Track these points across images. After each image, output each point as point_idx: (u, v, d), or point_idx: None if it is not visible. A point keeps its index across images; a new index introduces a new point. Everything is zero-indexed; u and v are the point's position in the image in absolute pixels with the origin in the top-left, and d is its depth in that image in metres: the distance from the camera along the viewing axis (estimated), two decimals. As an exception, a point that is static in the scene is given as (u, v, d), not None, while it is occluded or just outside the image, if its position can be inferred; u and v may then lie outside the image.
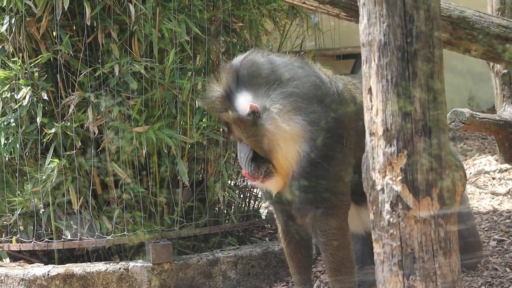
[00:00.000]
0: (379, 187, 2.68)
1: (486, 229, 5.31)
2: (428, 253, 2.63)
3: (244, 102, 4.00)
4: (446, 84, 2.74)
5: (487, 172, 6.64)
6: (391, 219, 2.65)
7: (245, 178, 4.18)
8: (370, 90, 2.70)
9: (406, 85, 2.63)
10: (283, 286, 4.92)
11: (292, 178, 4.05)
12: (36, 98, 4.96)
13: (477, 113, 6.22)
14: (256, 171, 4.06)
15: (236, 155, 4.38)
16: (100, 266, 4.83)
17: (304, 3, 3.51)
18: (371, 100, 2.71)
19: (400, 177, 2.63)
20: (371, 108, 2.70)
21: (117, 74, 4.90)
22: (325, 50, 7.02)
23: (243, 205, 5.48)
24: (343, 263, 4.19)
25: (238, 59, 4.11)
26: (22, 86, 4.96)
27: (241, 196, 5.48)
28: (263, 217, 5.61)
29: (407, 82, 2.63)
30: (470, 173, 6.63)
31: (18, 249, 5.06)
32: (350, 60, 9.20)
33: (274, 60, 4.12)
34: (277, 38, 5.87)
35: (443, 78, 2.67)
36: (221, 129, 5.02)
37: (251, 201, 5.60)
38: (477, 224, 5.36)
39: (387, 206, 2.66)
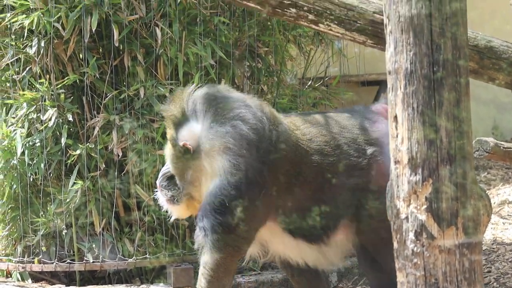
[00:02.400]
0: (403, 216, 2.66)
1: (510, 260, 5.26)
2: (452, 283, 2.61)
3: (184, 134, 4.02)
4: (471, 113, 2.73)
5: (511, 202, 6.60)
6: (415, 248, 2.63)
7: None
8: (395, 118, 2.69)
9: (432, 113, 2.63)
10: (303, 312, 4.89)
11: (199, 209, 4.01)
12: (62, 119, 4.99)
13: (501, 143, 6.17)
14: (165, 189, 4.08)
15: None
16: (121, 289, 4.84)
17: (330, 30, 3.51)
18: (396, 128, 2.70)
19: (424, 206, 2.62)
20: (397, 136, 2.70)
21: (142, 96, 4.92)
22: (349, 76, 7.02)
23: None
24: None
25: (196, 89, 4.08)
26: (48, 108, 4.99)
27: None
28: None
29: (433, 111, 2.62)
30: (494, 203, 6.58)
31: (40, 270, 5.07)
32: (374, 87, 9.17)
33: (227, 97, 4.07)
34: (302, 64, 5.89)
35: (469, 107, 2.66)
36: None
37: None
38: (500, 254, 5.32)
39: (411, 235, 2.64)
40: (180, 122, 4.03)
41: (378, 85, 9.02)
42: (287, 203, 4.07)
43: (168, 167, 4.08)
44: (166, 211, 4.19)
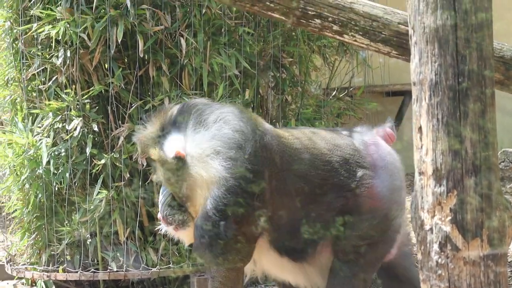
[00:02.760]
0: (427, 227, 2.65)
1: (535, 271, 5.22)
2: (477, 295, 2.59)
3: (172, 146, 3.91)
4: (496, 124, 2.72)
5: (537, 213, 6.55)
6: (440, 260, 2.62)
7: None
8: (420, 129, 2.69)
9: (457, 124, 2.62)
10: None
11: (195, 222, 3.93)
12: (87, 129, 5.02)
13: (527, 153, 6.16)
14: (171, 217, 3.95)
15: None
16: (145, 298, 4.85)
17: (355, 40, 3.51)
18: (421, 139, 2.69)
19: (449, 217, 2.61)
20: (421, 147, 2.69)
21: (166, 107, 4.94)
22: (373, 86, 7.01)
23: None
24: None
25: (171, 106, 4.06)
26: (74, 117, 5.03)
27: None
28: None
29: (458, 122, 2.62)
30: (519, 214, 6.53)
31: (65, 279, 5.09)
32: (399, 97, 9.16)
33: (206, 103, 4.03)
34: (326, 74, 5.89)
35: (494, 118, 2.66)
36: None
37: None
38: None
39: (435, 247, 2.63)
40: (162, 138, 3.94)
41: (403, 96, 9.01)
42: (273, 214, 3.98)
43: (164, 194, 3.97)
44: (179, 241, 4.13)
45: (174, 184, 3.90)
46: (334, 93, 5.86)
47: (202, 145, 3.88)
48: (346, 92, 5.92)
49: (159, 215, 3.97)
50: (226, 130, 3.90)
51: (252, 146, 3.90)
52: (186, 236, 3.97)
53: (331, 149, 4.10)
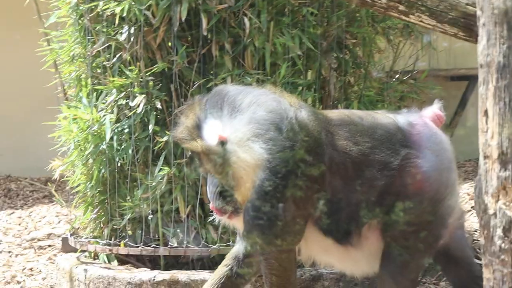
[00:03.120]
0: (491, 212, 2.63)
1: None
2: (540, 281, 2.56)
3: (212, 132, 3.91)
4: None
5: None
6: (503, 245, 2.60)
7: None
8: (486, 112, 2.66)
9: (524, 108, 2.58)
10: (385, 306, 4.86)
11: (244, 209, 3.93)
12: (150, 106, 5.07)
13: None
14: (224, 205, 3.96)
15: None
16: (204, 275, 4.88)
17: (421, 21, 3.47)
18: (486, 123, 2.66)
19: (513, 202, 2.58)
20: (486, 131, 2.66)
21: (229, 85, 4.96)
22: (438, 70, 6.94)
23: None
24: None
25: (201, 98, 4.06)
26: (137, 94, 5.08)
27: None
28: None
29: (525, 106, 2.58)
30: None
31: (126, 253, 5.17)
32: (463, 82, 9.04)
33: (237, 88, 4.04)
34: (390, 57, 5.84)
35: (562, 103, 2.61)
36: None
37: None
38: None
39: (499, 231, 2.60)
40: (199, 128, 3.95)
41: (467, 80, 8.89)
42: (317, 192, 3.98)
43: (213, 184, 3.98)
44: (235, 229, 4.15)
45: (221, 172, 3.90)
46: (397, 76, 5.81)
47: (241, 129, 3.89)
48: (409, 75, 5.86)
49: (211, 206, 4.00)
50: (261, 112, 3.90)
51: (288, 124, 3.89)
52: (241, 223, 3.98)
53: (372, 127, 4.07)
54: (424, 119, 4.21)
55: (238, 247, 4.21)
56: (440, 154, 4.13)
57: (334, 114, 4.16)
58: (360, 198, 4.02)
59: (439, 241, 4.20)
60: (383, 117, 4.19)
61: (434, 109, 4.25)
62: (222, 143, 3.86)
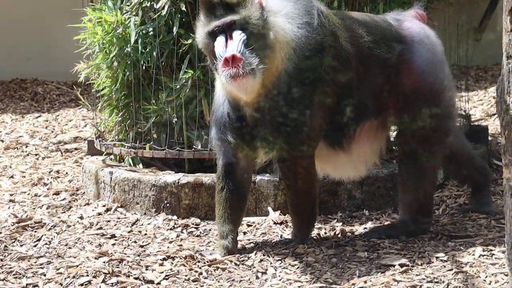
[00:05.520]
0: (513, 112, 2.62)
1: None
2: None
3: None
4: None
5: None
6: (524, 145, 2.60)
7: (224, 70, 3.84)
8: (511, 11, 2.62)
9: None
10: (407, 209, 4.90)
11: (271, 89, 3.94)
12: (175, 8, 5.03)
13: None
14: (248, 57, 3.83)
15: None
16: (228, 177, 4.93)
17: None
18: (511, 23, 2.63)
19: (536, 103, 2.57)
20: (511, 31, 2.63)
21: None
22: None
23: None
24: (306, 204, 4.23)
25: None
26: (162, -4, 5.04)
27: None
28: (391, 139, 5.58)
29: (551, 5, 2.54)
30: None
31: (151, 156, 5.22)
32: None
33: None
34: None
35: None
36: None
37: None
38: None
39: (520, 132, 2.60)
40: None
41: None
42: (336, 90, 4.05)
43: (241, 36, 3.88)
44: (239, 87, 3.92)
45: (254, 31, 3.88)
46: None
47: (278, 4, 3.96)
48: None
49: (230, 53, 3.83)
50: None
51: (318, 16, 3.97)
52: (249, 86, 3.89)
53: (371, 23, 4.19)
54: (410, 17, 4.37)
55: (223, 162, 4.23)
56: (432, 47, 4.24)
57: (338, 12, 4.27)
58: (361, 97, 4.08)
59: (451, 134, 4.26)
60: (377, 17, 4.33)
61: (416, 9, 4.45)
62: (262, 7, 3.91)
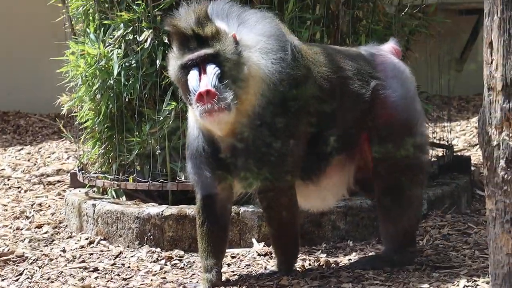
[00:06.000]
0: (494, 143, 2.63)
1: None
2: (542, 212, 2.58)
3: (225, 28, 3.88)
4: None
5: None
6: (506, 176, 2.61)
7: (198, 105, 3.75)
8: (491, 44, 2.65)
9: (530, 40, 2.57)
10: (391, 239, 4.90)
11: (246, 123, 3.88)
12: (157, 41, 5.05)
13: None
14: (222, 92, 3.75)
15: None
16: (211, 209, 4.92)
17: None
18: (491, 55, 2.65)
19: (517, 134, 2.58)
20: (491, 63, 2.65)
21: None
22: (447, 4, 6.87)
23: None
24: (288, 235, 4.19)
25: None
26: (145, 29, 5.06)
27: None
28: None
29: (531, 37, 2.57)
30: None
31: (134, 188, 5.20)
32: (473, 16, 8.97)
33: (238, 6, 4.03)
34: (398, -10, 5.78)
35: None
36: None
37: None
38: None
39: (502, 163, 2.61)
40: (210, 19, 3.90)
41: (478, 14, 8.81)
42: (311, 124, 4.03)
43: (214, 70, 3.80)
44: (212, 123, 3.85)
45: (228, 65, 3.80)
46: (406, 9, 5.75)
47: (253, 39, 3.90)
48: (418, 9, 5.80)
49: (204, 87, 3.74)
50: (271, 31, 3.93)
51: (292, 51, 3.93)
52: (223, 123, 3.83)
53: (345, 58, 4.14)
54: (385, 51, 4.35)
55: (202, 196, 4.18)
56: (405, 82, 4.23)
57: (312, 45, 4.22)
58: (334, 131, 4.06)
59: (426, 169, 4.27)
60: (352, 51, 4.29)
61: (391, 44, 4.42)
62: (236, 41, 3.86)
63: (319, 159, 4.11)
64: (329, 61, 4.11)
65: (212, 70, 3.80)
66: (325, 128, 4.08)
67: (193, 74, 3.83)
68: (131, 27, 5.13)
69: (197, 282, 4.32)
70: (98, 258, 4.81)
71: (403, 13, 5.68)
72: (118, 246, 5.01)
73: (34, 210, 5.87)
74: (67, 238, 5.23)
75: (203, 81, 3.78)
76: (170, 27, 3.95)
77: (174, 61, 3.98)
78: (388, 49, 4.40)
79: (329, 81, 4.06)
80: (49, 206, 5.97)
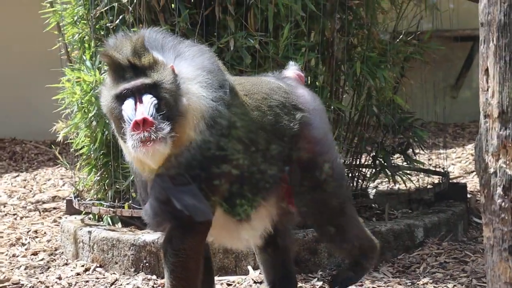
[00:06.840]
0: (491, 170, 2.63)
1: None
2: (539, 239, 2.57)
3: (162, 60, 3.67)
4: None
5: None
6: (503, 204, 2.60)
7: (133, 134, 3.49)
8: (487, 71, 2.65)
9: (525, 67, 2.58)
10: (388, 267, 4.90)
11: (176, 161, 3.62)
12: (153, 68, 5.05)
13: None
14: (160, 122, 3.50)
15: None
16: (207, 236, 4.90)
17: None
18: (487, 82, 2.66)
19: (514, 161, 2.58)
20: (487, 90, 2.66)
21: (232, 48, 4.94)
22: (442, 31, 6.90)
23: (351, 185, 5.46)
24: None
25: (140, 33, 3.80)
26: (140, 56, 5.05)
27: (349, 175, 5.46)
28: (371, 197, 5.58)
29: (526, 65, 2.58)
30: None
31: (130, 215, 5.19)
32: (468, 43, 9.01)
33: (171, 37, 3.83)
34: (393, 17, 5.81)
35: None
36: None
37: (359, 180, 5.58)
38: None
39: (499, 190, 2.61)
40: (148, 50, 3.68)
41: (472, 41, 8.86)
42: (242, 165, 3.82)
43: (151, 100, 3.57)
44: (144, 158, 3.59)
45: (166, 97, 3.58)
46: (401, 36, 5.78)
47: (191, 72, 3.71)
48: (413, 36, 5.83)
49: (140, 116, 3.50)
50: (209, 66, 3.75)
51: (229, 89, 3.76)
52: (157, 155, 3.54)
53: (270, 93, 3.98)
54: (295, 80, 4.20)
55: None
56: (323, 113, 4.17)
57: (239, 81, 4.00)
58: (266, 167, 3.89)
59: (350, 198, 4.22)
60: (271, 82, 4.09)
61: (294, 70, 4.25)
62: (174, 73, 3.66)
63: (250, 196, 3.95)
64: (259, 97, 3.94)
65: (149, 99, 3.56)
66: (259, 166, 3.88)
67: (129, 104, 3.57)
68: (127, 54, 5.12)
69: (193, 310, 4.28)
70: (94, 286, 4.79)
71: (398, 40, 5.71)
72: (114, 273, 4.99)
73: (30, 237, 5.85)
74: (63, 265, 5.21)
75: (139, 109, 3.54)
76: (104, 57, 3.71)
77: (107, 92, 3.69)
78: (293, 76, 4.22)
79: (262, 117, 3.89)
80: (45, 233, 5.95)
